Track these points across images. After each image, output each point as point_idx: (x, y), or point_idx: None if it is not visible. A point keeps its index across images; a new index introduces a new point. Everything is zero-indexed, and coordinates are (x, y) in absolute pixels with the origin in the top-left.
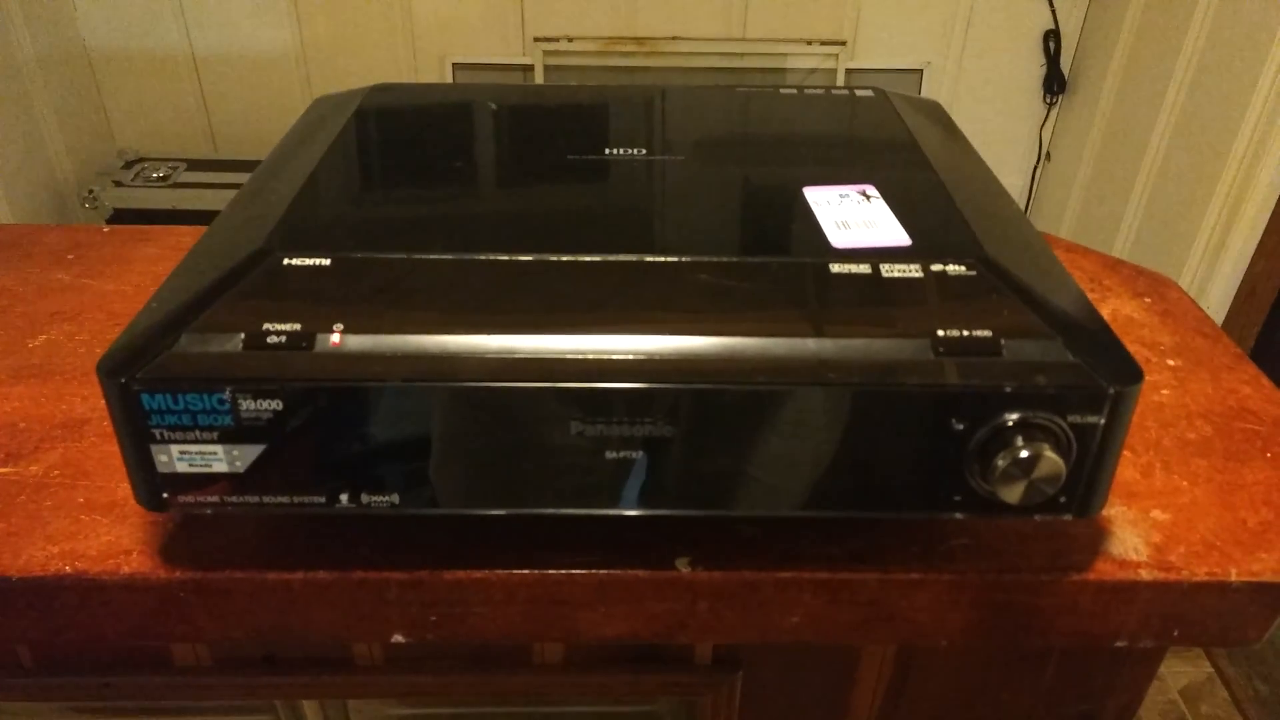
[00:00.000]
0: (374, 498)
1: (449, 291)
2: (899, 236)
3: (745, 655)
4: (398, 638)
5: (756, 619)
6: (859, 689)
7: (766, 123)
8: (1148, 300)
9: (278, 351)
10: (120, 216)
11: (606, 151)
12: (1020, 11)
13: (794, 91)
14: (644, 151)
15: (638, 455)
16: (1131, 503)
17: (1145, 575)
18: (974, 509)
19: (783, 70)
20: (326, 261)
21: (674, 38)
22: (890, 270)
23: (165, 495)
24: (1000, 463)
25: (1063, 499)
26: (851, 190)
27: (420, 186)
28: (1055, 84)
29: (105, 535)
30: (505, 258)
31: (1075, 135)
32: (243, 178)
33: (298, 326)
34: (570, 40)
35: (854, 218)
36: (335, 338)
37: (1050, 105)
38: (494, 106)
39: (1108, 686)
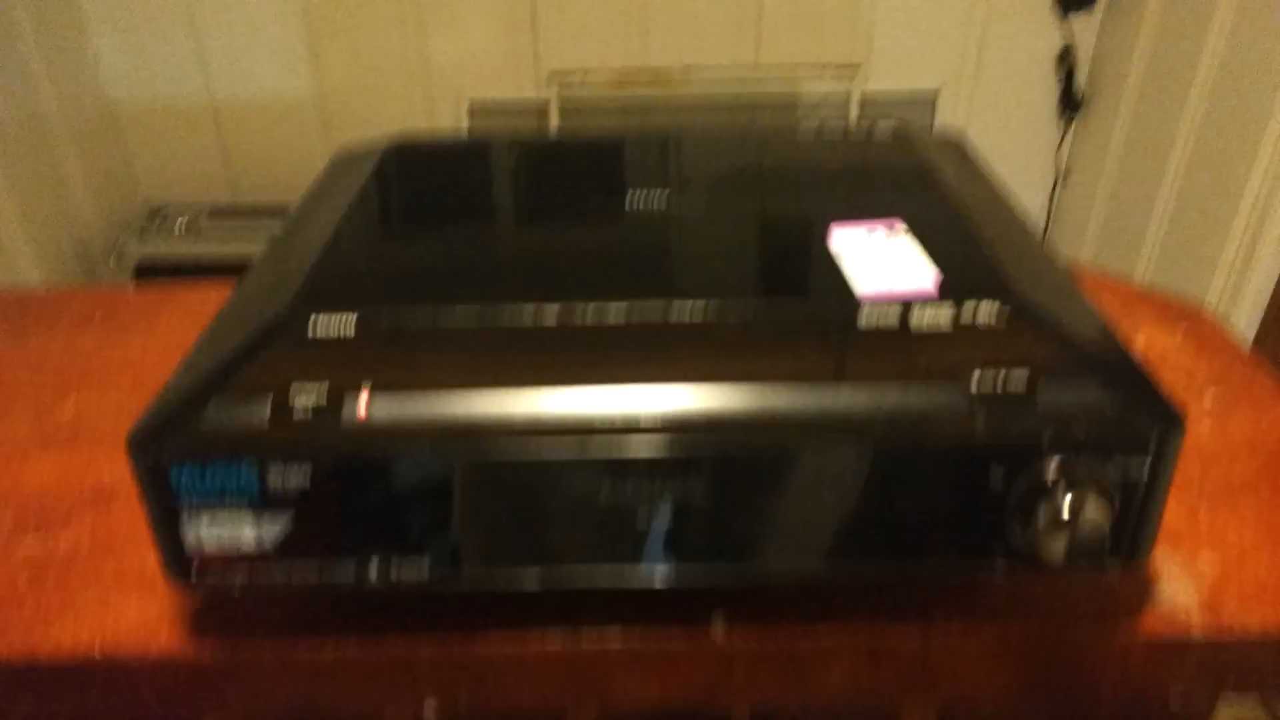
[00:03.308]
0: (403, 572)
1: (476, 347)
2: (927, 275)
3: (783, 716)
4: (431, 706)
5: (795, 680)
6: None
7: (786, 163)
8: (1181, 329)
9: (305, 419)
10: (145, 268)
11: (628, 198)
12: (1034, 32)
13: (813, 130)
14: (665, 196)
15: (670, 516)
16: (1178, 546)
17: (1197, 628)
18: (1016, 563)
19: (797, 94)
20: (352, 318)
21: (688, 66)
22: (919, 314)
23: (193, 569)
24: (1042, 513)
25: (1107, 547)
26: (878, 228)
27: (443, 238)
28: (1071, 104)
29: (134, 612)
30: (530, 315)
31: (1093, 155)
32: (263, 223)
33: (324, 389)
34: (586, 73)
35: (879, 258)
36: (362, 402)
37: (1066, 125)
38: (513, 157)
39: None
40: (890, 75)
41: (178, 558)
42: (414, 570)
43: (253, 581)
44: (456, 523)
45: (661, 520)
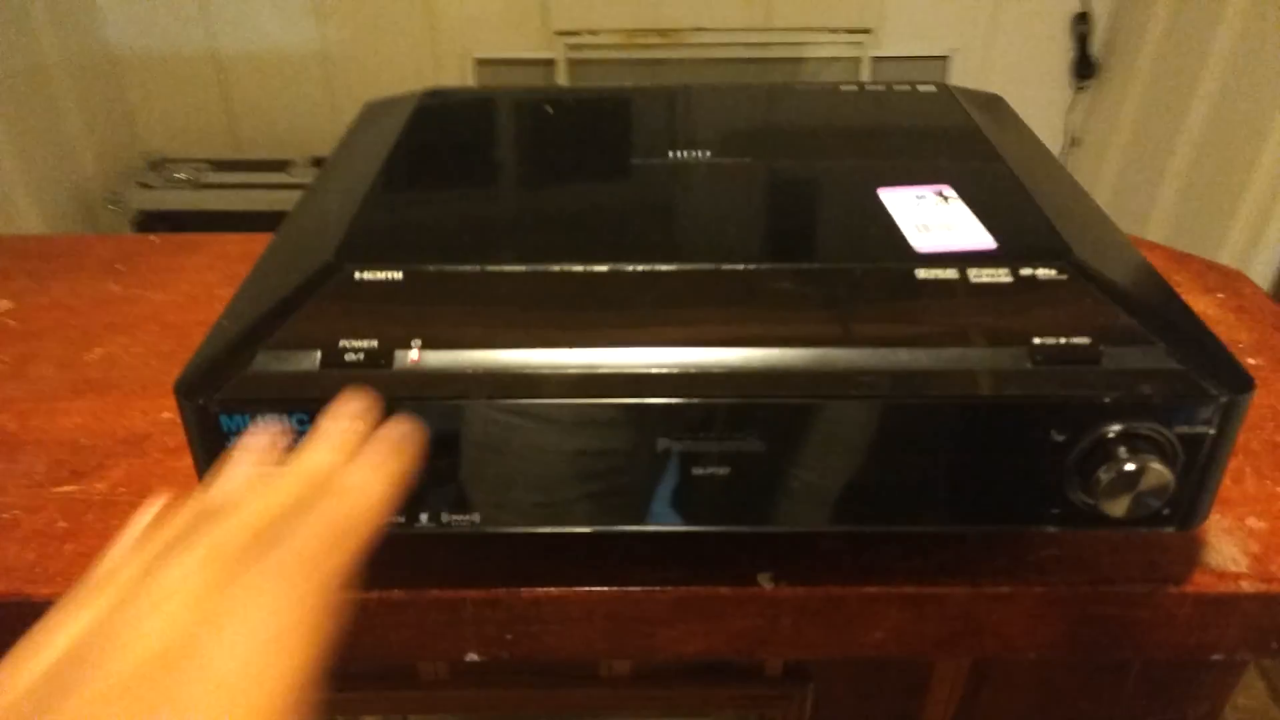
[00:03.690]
0: (454, 516)
1: (526, 304)
2: (983, 239)
3: (816, 668)
4: (472, 656)
5: (840, 634)
6: (931, 700)
7: (832, 121)
8: (1220, 296)
9: (356, 369)
10: (146, 219)
11: (670, 154)
12: None
13: (855, 88)
14: (709, 154)
15: (725, 471)
16: (1225, 510)
17: (1246, 587)
18: (1073, 522)
19: (807, 60)
20: (398, 275)
21: (697, 28)
22: (978, 275)
23: None
24: (1104, 476)
25: (1165, 511)
26: (928, 191)
27: (484, 194)
28: (1085, 68)
29: None
30: (580, 268)
31: (1106, 120)
32: (266, 177)
33: (375, 343)
34: (593, 33)
35: (934, 220)
36: (414, 354)
37: (1080, 90)
38: (550, 110)
39: (1190, 694)
40: (901, 40)
41: None
42: (464, 515)
43: None
44: (506, 470)
45: (716, 471)
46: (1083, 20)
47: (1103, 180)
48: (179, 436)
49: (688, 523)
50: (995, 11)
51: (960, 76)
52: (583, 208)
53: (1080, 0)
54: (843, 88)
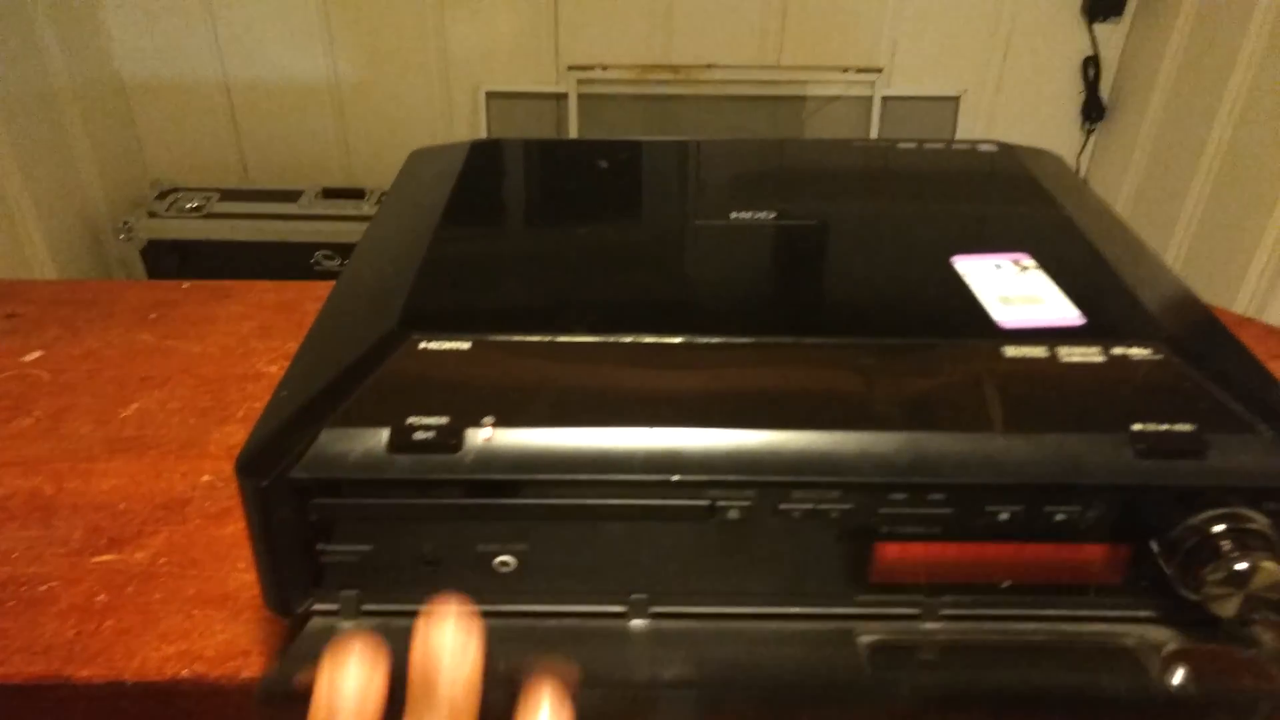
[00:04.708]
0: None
1: (599, 378)
2: (1069, 313)
3: None
4: None
5: None
6: None
7: (897, 182)
8: None
9: (424, 451)
10: (155, 248)
11: (732, 215)
12: (1059, 38)
13: (913, 145)
14: (773, 216)
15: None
16: None
17: None
18: (1179, 621)
19: (818, 98)
20: (466, 345)
21: (709, 65)
22: (1069, 354)
23: (295, 602)
24: (1212, 575)
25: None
26: (1005, 259)
27: (545, 255)
28: (1094, 111)
29: (221, 634)
30: (653, 339)
31: (1115, 163)
32: (276, 207)
33: (445, 420)
34: (605, 69)
35: (1015, 291)
36: (486, 432)
37: (1089, 133)
38: (604, 164)
39: None
40: (912, 80)
41: (280, 588)
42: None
43: (358, 611)
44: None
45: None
46: (1093, 63)
47: None
48: (221, 501)
49: (759, 603)
50: (1006, 53)
51: (970, 117)
52: (649, 273)
53: (1090, 43)
54: (901, 145)
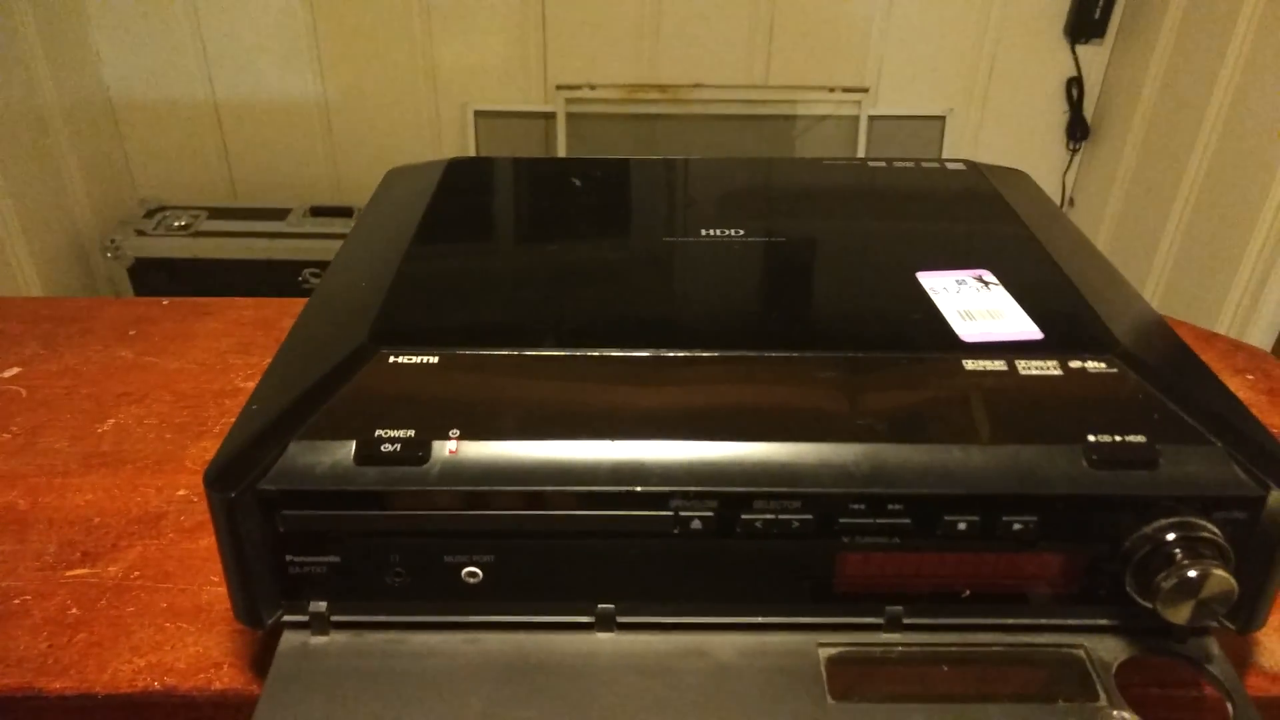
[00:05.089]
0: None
1: (566, 392)
2: (1028, 329)
3: None
4: None
5: None
6: None
7: (865, 199)
8: (1250, 378)
9: (391, 463)
10: (142, 266)
11: (703, 233)
12: (1043, 59)
13: (884, 164)
14: (741, 233)
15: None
16: (1275, 610)
17: None
18: (1131, 622)
19: (804, 117)
20: (434, 359)
21: (696, 85)
22: (1027, 368)
23: (265, 613)
24: (1165, 583)
25: (1226, 615)
26: (968, 275)
27: (516, 272)
28: (1078, 131)
29: (193, 646)
30: (620, 354)
31: (1099, 182)
32: (264, 225)
33: (411, 433)
34: (593, 88)
35: (977, 307)
36: (452, 445)
37: (1073, 152)
38: (578, 183)
39: None
40: (898, 99)
41: (249, 599)
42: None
43: (325, 624)
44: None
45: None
46: (1076, 84)
47: (1098, 241)
48: (195, 516)
49: (725, 613)
50: (991, 73)
51: (956, 136)
52: (618, 288)
53: (1073, 64)
54: (871, 164)
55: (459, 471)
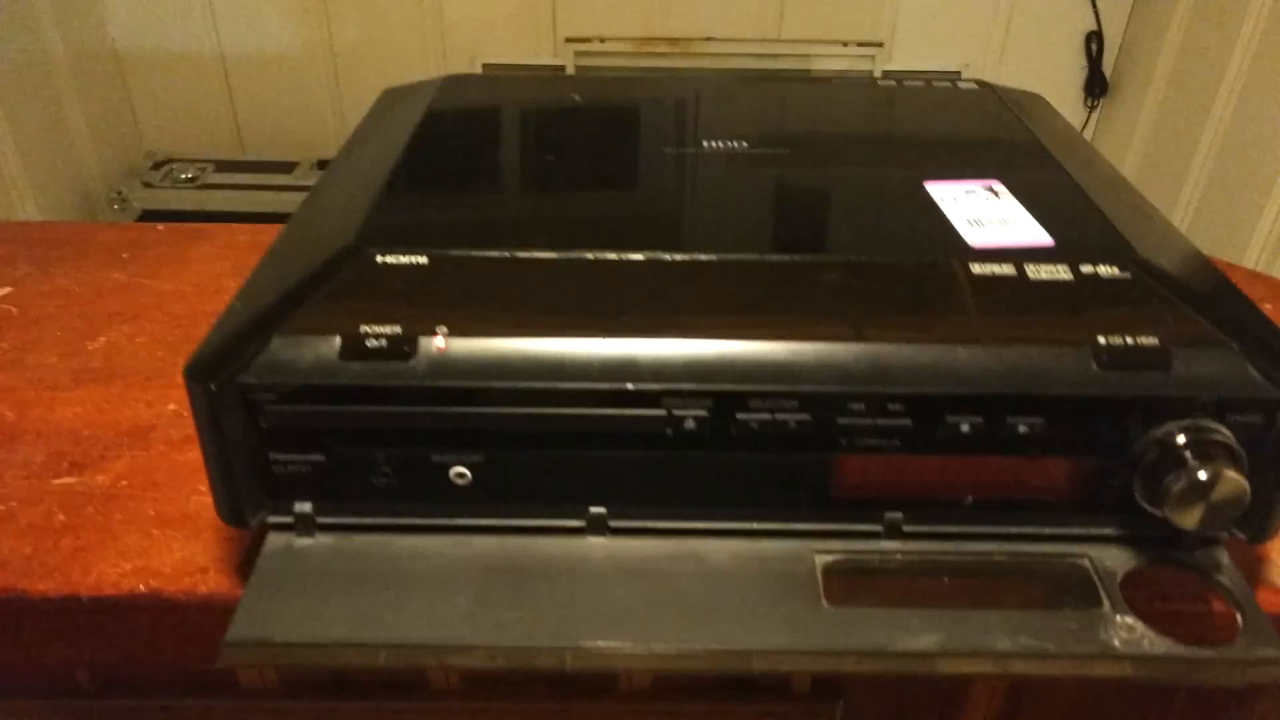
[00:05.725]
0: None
1: (558, 292)
2: (1039, 235)
3: (846, 683)
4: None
5: None
6: (967, 719)
7: (872, 115)
8: (1268, 307)
9: (377, 359)
10: (149, 218)
11: (705, 144)
12: (1061, 13)
13: (893, 83)
14: (745, 145)
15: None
16: None
17: None
18: (1138, 531)
19: (818, 70)
20: (423, 259)
21: (708, 38)
22: (1037, 272)
23: (249, 513)
24: (1174, 485)
25: (1237, 523)
26: (978, 185)
27: (512, 181)
28: (1097, 86)
29: (179, 551)
30: (615, 256)
31: (1118, 138)
32: (271, 179)
33: (398, 330)
34: (602, 41)
35: (986, 215)
36: (440, 341)
37: (1091, 108)
38: (578, 98)
39: (1239, 718)
40: (913, 54)
41: (233, 498)
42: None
43: (311, 524)
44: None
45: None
46: (1096, 38)
47: None
48: (185, 429)
49: (720, 519)
50: (1008, 27)
51: None
52: (616, 196)
53: (1093, 18)
54: (880, 83)
55: (446, 367)
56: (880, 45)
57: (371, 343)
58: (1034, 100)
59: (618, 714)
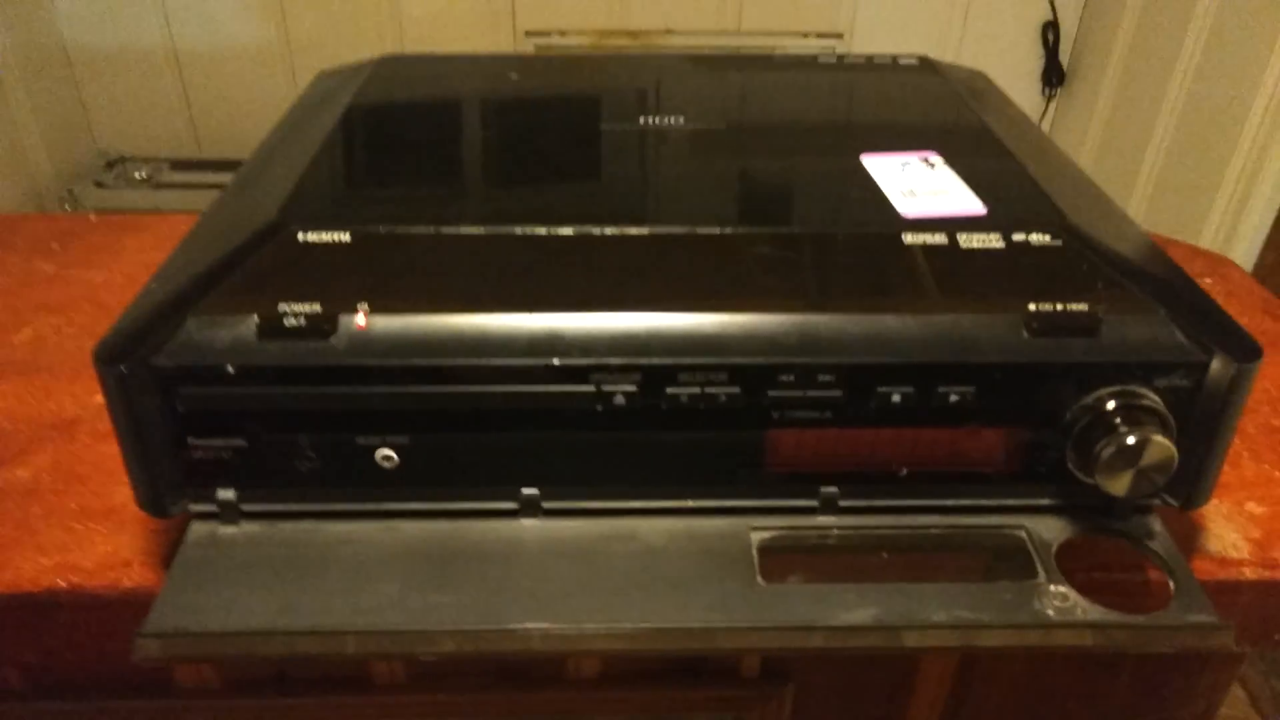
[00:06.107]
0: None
1: (484, 268)
2: (972, 205)
3: (796, 667)
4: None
5: None
6: (917, 701)
7: (812, 91)
8: (1208, 281)
9: (296, 338)
10: None
11: (641, 120)
12: (1018, 3)
13: (834, 60)
14: (682, 120)
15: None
16: (1224, 496)
17: (1248, 574)
18: (1072, 500)
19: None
20: (346, 236)
21: (667, 30)
22: (969, 241)
23: (170, 501)
24: (1104, 451)
25: (1169, 489)
26: (913, 158)
27: (443, 158)
28: (1054, 76)
29: (102, 545)
30: (544, 231)
31: (1075, 128)
32: (227, 177)
33: (318, 308)
34: (562, 34)
35: (920, 186)
36: (360, 319)
37: (1049, 98)
38: (515, 76)
39: (1185, 693)
40: (873, 44)
41: (150, 486)
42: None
43: (232, 511)
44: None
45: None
46: (1052, 28)
47: None
48: None
49: (654, 497)
50: (966, 18)
51: None
52: (548, 172)
53: (1049, 9)
54: (821, 59)
55: (367, 346)
56: (840, 36)
57: (290, 321)
58: (975, 77)
59: (567, 702)
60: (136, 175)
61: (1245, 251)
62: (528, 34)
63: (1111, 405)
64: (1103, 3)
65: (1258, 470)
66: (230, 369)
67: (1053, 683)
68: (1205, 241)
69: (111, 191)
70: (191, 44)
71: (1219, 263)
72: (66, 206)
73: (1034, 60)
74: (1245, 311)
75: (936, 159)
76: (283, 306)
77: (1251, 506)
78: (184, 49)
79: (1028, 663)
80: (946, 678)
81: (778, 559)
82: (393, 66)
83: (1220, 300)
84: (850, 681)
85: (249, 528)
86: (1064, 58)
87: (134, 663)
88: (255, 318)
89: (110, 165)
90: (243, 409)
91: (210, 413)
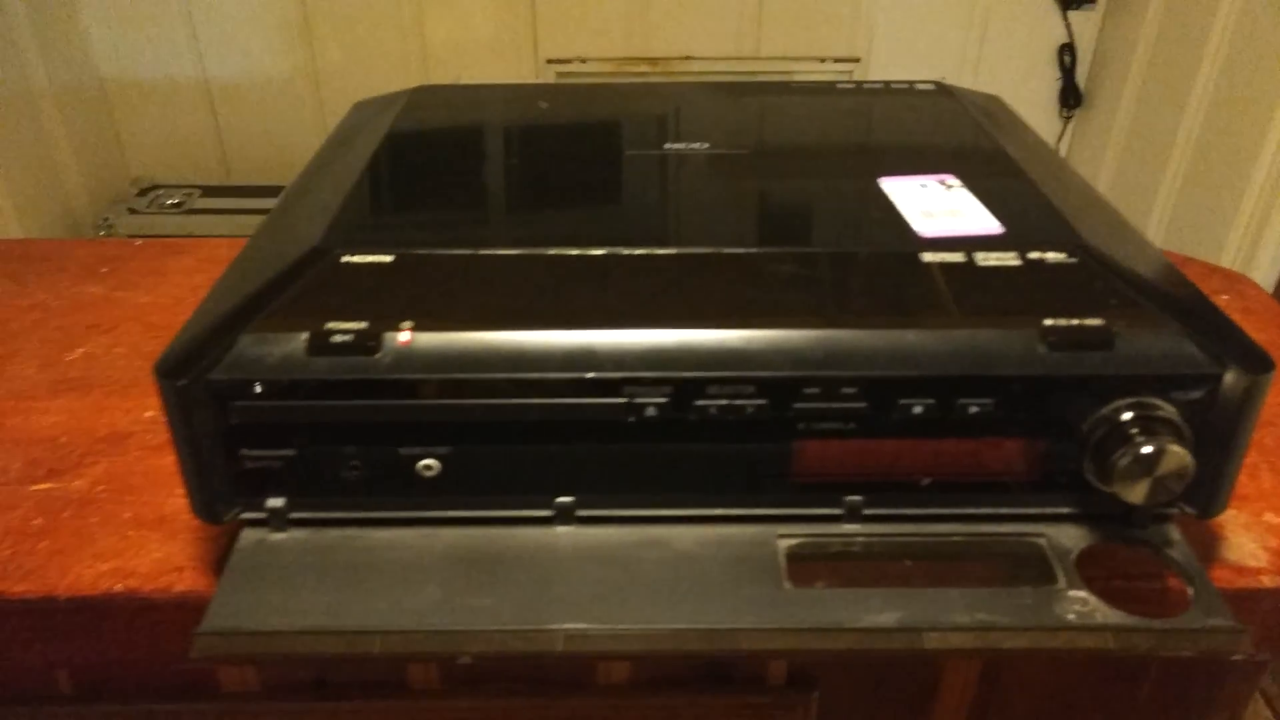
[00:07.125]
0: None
1: (520, 287)
2: (989, 224)
3: (821, 674)
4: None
5: None
6: (940, 708)
7: (831, 116)
8: (1225, 298)
9: (343, 354)
10: None
11: (667, 146)
12: (1034, 26)
13: (852, 86)
14: (706, 146)
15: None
16: (1242, 506)
17: (1267, 582)
18: (1091, 509)
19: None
20: (388, 258)
21: (686, 57)
22: (985, 259)
23: (223, 509)
24: (1120, 460)
25: (1186, 498)
26: (931, 180)
27: (477, 184)
28: (1071, 98)
29: (156, 552)
30: (576, 252)
31: (1093, 149)
32: (257, 203)
33: (364, 326)
34: (583, 61)
35: (937, 207)
36: (404, 336)
37: (1067, 120)
38: (544, 105)
39: (1208, 702)
40: (890, 68)
41: (206, 494)
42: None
43: (283, 518)
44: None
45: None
46: (1068, 50)
47: None
48: (161, 435)
49: (684, 505)
50: (983, 41)
51: None
52: (579, 196)
53: (1065, 31)
54: (840, 85)
55: (410, 361)
56: (858, 60)
57: (337, 338)
58: (990, 100)
59: (597, 709)
60: (168, 202)
61: (1266, 272)
62: (549, 61)
63: (1127, 416)
64: (1119, 25)
65: (1276, 482)
66: (283, 382)
67: (1074, 693)
68: (1225, 262)
69: (144, 218)
70: (222, 75)
71: (1235, 280)
72: (102, 234)
73: (1051, 82)
74: (1262, 327)
75: (954, 181)
76: (330, 324)
77: (1270, 517)
78: (215, 80)
79: (1049, 672)
80: (969, 686)
81: (804, 565)
82: (427, 96)
83: (1237, 316)
84: (875, 689)
85: (297, 534)
86: (1081, 80)
87: (186, 663)
88: (305, 335)
89: (143, 193)
90: (292, 421)
91: (261, 425)
